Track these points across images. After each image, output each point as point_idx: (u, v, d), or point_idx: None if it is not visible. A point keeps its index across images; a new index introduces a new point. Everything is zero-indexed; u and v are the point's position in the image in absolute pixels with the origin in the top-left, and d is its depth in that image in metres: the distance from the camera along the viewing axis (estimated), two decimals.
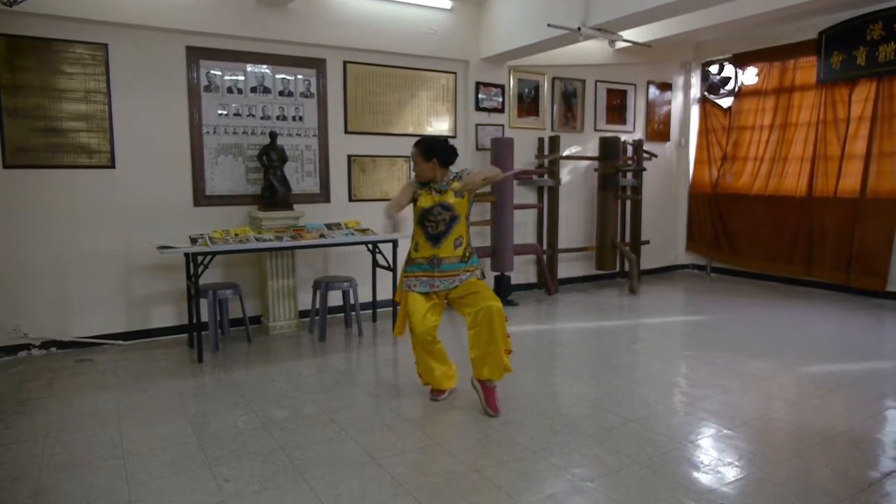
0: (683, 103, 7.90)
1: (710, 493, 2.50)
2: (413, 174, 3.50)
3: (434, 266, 3.31)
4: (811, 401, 3.54)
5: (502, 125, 6.38)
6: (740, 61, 7.26)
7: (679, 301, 6.59)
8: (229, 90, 4.97)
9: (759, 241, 7.12)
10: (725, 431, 3.11)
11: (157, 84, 4.70)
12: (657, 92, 7.61)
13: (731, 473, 2.67)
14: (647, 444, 2.97)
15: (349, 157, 5.59)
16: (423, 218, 3.34)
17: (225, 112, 4.97)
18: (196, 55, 4.81)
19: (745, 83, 7.26)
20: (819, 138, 6.52)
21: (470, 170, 3.44)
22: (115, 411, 3.41)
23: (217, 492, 2.53)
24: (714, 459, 2.80)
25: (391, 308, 5.18)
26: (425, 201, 3.32)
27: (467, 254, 3.37)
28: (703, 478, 2.63)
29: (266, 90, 5.13)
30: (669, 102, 7.75)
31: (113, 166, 4.61)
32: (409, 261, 3.44)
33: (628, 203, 7.32)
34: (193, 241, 4.36)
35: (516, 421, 3.23)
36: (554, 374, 4.20)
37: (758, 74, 7.14)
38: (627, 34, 5.56)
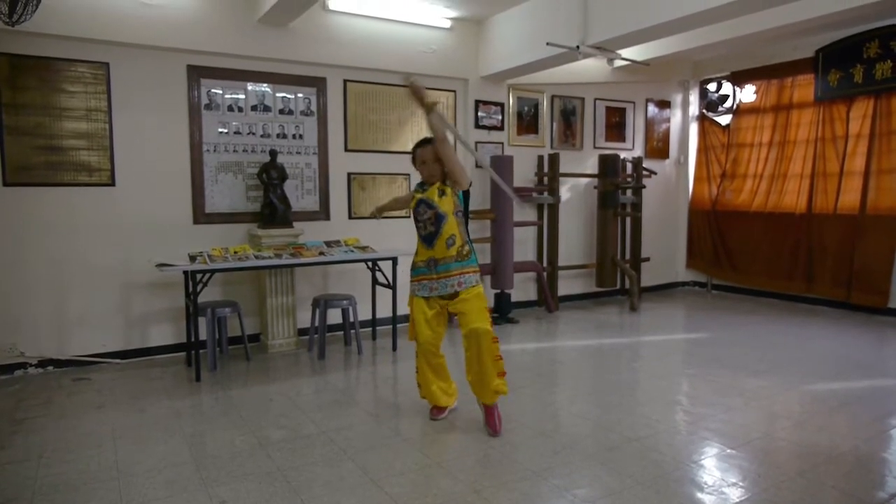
0: (682, 121, 7.94)
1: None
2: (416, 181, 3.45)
3: (431, 268, 3.25)
4: (815, 419, 3.50)
5: (502, 143, 6.40)
6: (738, 79, 7.31)
7: (680, 318, 6.56)
8: (230, 108, 5.00)
9: (759, 258, 7.11)
10: (729, 451, 3.07)
11: (158, 102, 4.73)
12: (656, 110, 7.65)
13: (735, 494, 2.63)
14: (649, 465, 2.92)
15: (349, 174, 5.60)
16: (414, 219, 3.33)
17: (225, 130, 4.99)
18: (197, 74, 4.84)
19: (744, 101, 7.30)
20: (818, 155, 6.54)
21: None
22: (111, 431, 3.37)
23: None
24: (718, 480, 2.76)
25: (391, 326, 5.15)
26: (413, 201, 3.32)
27: (464, 252, 3.25)
28: (707, 499, 2.59)
29: (266, 108, 5.15)
30: (668, 120, 7.79)
31: (113, 184, 4.61)
32: (413, 265, 3.38)
33: (628, 220, 7.32)
34: (192, 258, 4.35)
35: (517, 441, 3.20)
36: (554, 392, 4.16)
37: (756, 92, 7.18)
38: (626, 52, 5.60)
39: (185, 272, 4.26)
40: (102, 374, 4.44)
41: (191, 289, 4.24)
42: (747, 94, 7.25)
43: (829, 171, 6.45)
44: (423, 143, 3.31)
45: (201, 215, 4.93)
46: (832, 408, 3.68)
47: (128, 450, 3.12)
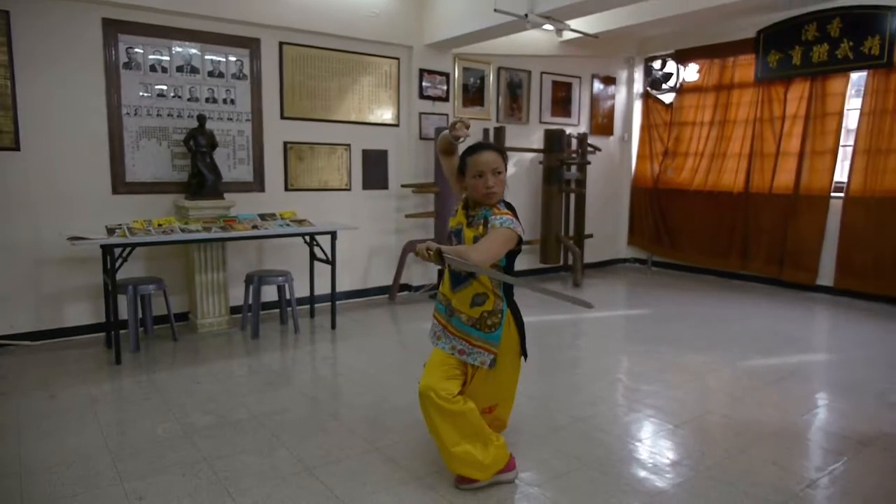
0: (627, 98, 7.94)
1: (660, 494, 2.42)
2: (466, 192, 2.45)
3: (447, 315, 2.43)
4: (752, 395, 3.54)
5: (447, 114, 6.20)
6: (682, 57, 7.34)
7: (621, 295, 6.60)
8: (152, 69, 4.59)
9: (697, 236, 7.23)
10: (672, 429, 3.05)
11: (70, 59, 4.27)
12: (601, 86, 7.61)
13: (679, 472, 2.59)
14: (594, 445, 2.86)
15: (285, 143, 5.29)
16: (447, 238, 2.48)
17: (147, 93, 4.59)
18: (114, 29, 4.40)
19: (687, 79, 7.34)
20: (756, 135, 6.66)
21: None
22: (15, 422, 3.05)
23: None
24: (662, 458, 2.73)
25: (329, 303, 4.93)
26: (452, 220, 2.47)
27: (489, 322, 2.33)
28: (653, 478, 2.54)
29: (194, 70, 4.77)
30: (613, 97, 7.77)
31: (17, 148, 4.16)
32: (438, 290, 2.53)
33: (572, 196, 7.29)
34: (111, 231, 3.99)
35: None
36: None
37: (699, 71, 7.22)
38: (574, 24, 5.47)
39: (103, 246, 3.91)
40: (10, 358, 4.05)
41: (109, 264, 3.89)
42: (690, 72, 7.29)
43: (766, 152, 6.58)
44: (482, 147, 2.37)
45: (121, 185, 4.54)
46: (768, 383, 3.73)
47: (33, 442, 2.82)
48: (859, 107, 5.89)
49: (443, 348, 2.41)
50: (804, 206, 6.26)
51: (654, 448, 2.84)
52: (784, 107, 6.40)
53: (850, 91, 6.01)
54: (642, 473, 2.59)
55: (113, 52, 4.41)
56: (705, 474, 2.59)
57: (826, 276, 6.20)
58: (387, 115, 5.86)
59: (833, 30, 5.89)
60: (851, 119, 6.02)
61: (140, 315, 4.37)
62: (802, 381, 3.79)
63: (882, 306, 5.70)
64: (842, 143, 6.07)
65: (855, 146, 5.88)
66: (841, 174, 6.09)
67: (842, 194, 6.00)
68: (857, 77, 5.96)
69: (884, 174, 5.69)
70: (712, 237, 7.07)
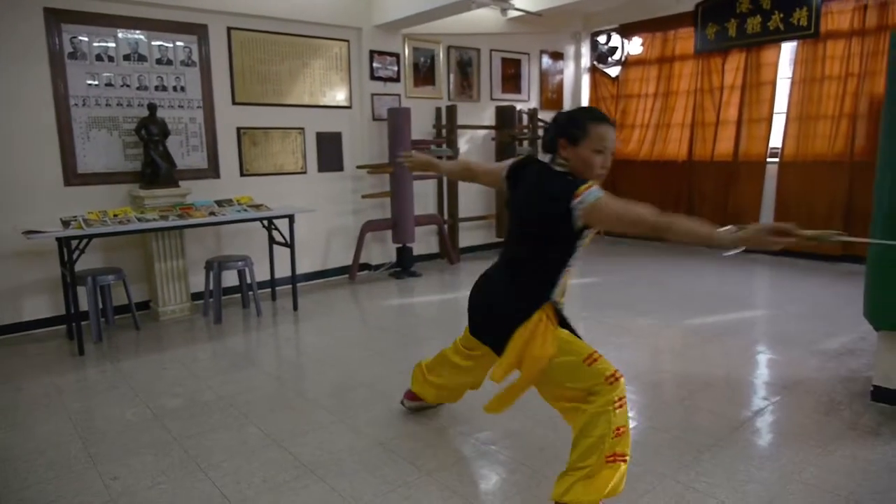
0: (575, 72, 8.12)
1: None
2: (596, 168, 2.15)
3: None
4: (692, 351, 3.82)
5: (399, 95, 6.28)
6: (626, 32, 7.54)
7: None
8: (99, 58, 4.55)
9: (644, 201, 7.50)
10: None
11: (12, 50, 4.20)
12: (550, 61, 7.77)
13: None
14: (546, 406, 3.06)
15: (238, 129, 5.31)
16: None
17: (95, 82, 4.55)
18: (57, 18, 4.34)
19: (631, 53, 7.56)
20: (697, 106, 6.94)
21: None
22: None
23: (104, 491, 2.36)
24: None
25: (290, 286, 5.02)
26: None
27: None
28: None
29: (142, 58, 4.73)
30: (562, 72, 7.94)
31: None
32: (555, 303, 2.24)
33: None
34: (66, 224, 3.99)
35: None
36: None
37: (642, 45, 7.45)
38: (519, 3, 5.60)
39: (58, 239, 3.92)
40: None
41: (66, 257, 3.90)
42: (634, 46, 7.51)
43: (707, 121, 6.87)
44: (609, 120, 2.14)
45: (73, 176, 4.52)
46: (708, 339, 4.01)
47: (2, 433, 2.88)
48: (790, 76, 6.21)
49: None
50: (743, 172, 6.59)
51: None
52: (722, 77, 6.69)
53: (783, 61, 6.32)
54: None
55: (57, 41, 4.35)
56: (646, 424, 2.83)
57: None
58: (339, 97, 5.91)
59: (765, 2, 6.16)
60: (784, 88, 6.33)
61: (101, 306, 4.39)
62: (739, 335, 4.09)
63: (816, 263, 6.08)
64: (776, 110, 6.39)
65: (787, 113, 6.21)
66: (776, 140, 6.42)
67: (777, 159, 6.34)
68: (789, 47, 6.26)
69: (814, 139, 6.03)
70: (660, 205, 7.11)
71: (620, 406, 2.07)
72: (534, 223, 2.18)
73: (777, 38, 6.17)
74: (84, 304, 4.24)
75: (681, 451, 2.57)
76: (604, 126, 2.09)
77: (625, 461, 2.04)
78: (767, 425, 2.82)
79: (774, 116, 6.39)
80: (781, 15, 6.05)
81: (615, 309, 4.79)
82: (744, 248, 1.85)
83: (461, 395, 2.85)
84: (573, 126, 2.10)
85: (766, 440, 2.69)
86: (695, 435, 2.70)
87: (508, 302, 2.24)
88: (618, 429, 2.03)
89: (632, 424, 2.81)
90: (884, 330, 2.88)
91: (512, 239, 2.34)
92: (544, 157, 2.22)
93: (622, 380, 2.11)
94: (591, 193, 2.00)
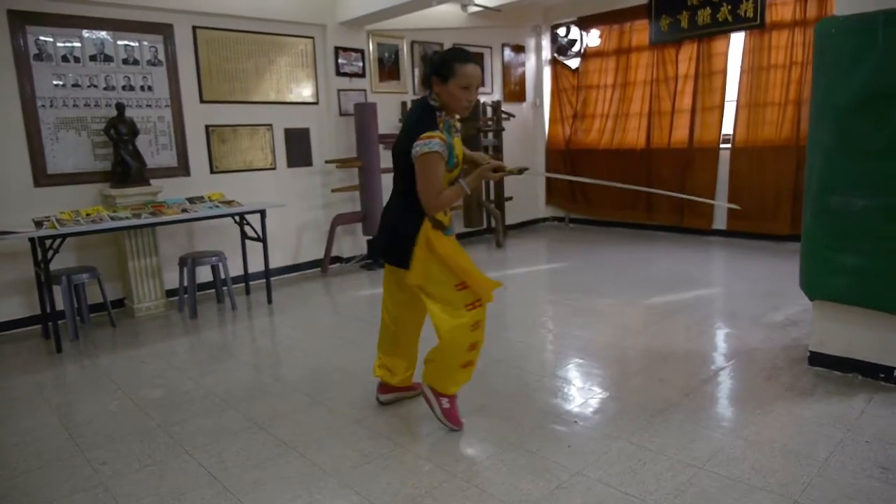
0: (536, 65, 8.33)
1: (566, 413, 2.84)
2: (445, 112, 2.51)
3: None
4: (650, 328, 4.06)
5: (364, 90, 6.40)
6: (585, 24, 7.77)
7: (541, 251, 7.09)
8: (65, 59, 4.58)
9: (608, 192, 7.77)
10: (580, 362, 3.50)
11: None
12: (512, 54, 7.96)
13: (582, 396, 3.04)
14: (513, 380, 3.27)
15: (207, 127, 5.38)
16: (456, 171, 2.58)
17: (62, 83, 4.58)
18: (20, 20, 4.36)
19: (590, 45, 7.80)
20: (653, 95, 7.20)
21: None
22: None
23: (93, 475, 2.48)
24: (573, 387, 3.16)
25: (264, 280, 5.13)
26: (443, 139, 2.42)
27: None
28: (563, 403, 2.96)
29: (108, 58, 4.78)
30: (524, 64, 8.14)
31: None
32: (441, 225, 2.57)
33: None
34: (38, 224, 4.05)
35: None
36: (428, 325, 4.42)
37: (600, 37, 7.68)
38: None
39: (31, 239, 3.97)
40: None
41: (41, 256, 3.96)
42: (593, 38, 7.74)
43: (663, 110, 7.14)
44: (471, 58, 2.43)
45: (43, 177, 4.55)
46: (665, 316, 4.26)
47: None
48: (740, 65, 6.50)
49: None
50: (698, 158, 6.88)
51: (566, 379, 3.27)
52: (676, 67, 6.96)
53: (733, 51, 6.61)
54: (554, 400, 3.01)
55: (22, 43, 4.37)
56: (606, 395, 3.04)
57: (720, 220, 6.88)
58: (306, 93, 6.01)
59: None
60: (735, 76, 6.63)
61: (75, 305, 4.45)
62: (694, 312, 4.34)
63: (766, 243, 6.40)
64: (727, 98, 6.68)
65: (738, 101, 6.51)
66: (728, 127, 6.72)
67: (729, 145, 6.64)
68: (738, 38, 6.55)
69: (763, 126, 6.34)
70: (621, 192, 7.63)
71: (476, 328, 2.59)
72: (398, 155, 2.55)
73: (726, 28, 6.45)
74: (60, 304, 4.30)
75: (636, 416, 2.78)
76: (469, 66, 2.41)
77: (473, 364, 2.68)
78: (715, 391, 3.06)
79: (726, 104, 6.69)
80: (729, 7, 6.34)
81: (579, 292, 5.02)
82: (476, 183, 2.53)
83: (415, 333, 3.01)
84: (443, 66, 2.43)
85: (713, 403, 2.93)
86: (649, 402, 2.93)
87: (396, 220, 2.61)
88: (472, 344, 2.61)
89: (594, 395, 3.03)
90: (817, 299, 3.14)
91: (394, 167, 2.66)
92: (424, 93, 2.57)
93: (481, 308, 2.60)
94: (427, 144, 2.37)
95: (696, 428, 2.65)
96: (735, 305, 4.46)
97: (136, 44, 4.91)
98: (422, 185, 2.41)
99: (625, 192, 7.56)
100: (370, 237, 6.28)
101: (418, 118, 2.49)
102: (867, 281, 2.91)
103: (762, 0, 6.09)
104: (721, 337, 3.86)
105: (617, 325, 4.20)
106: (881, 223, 2.82)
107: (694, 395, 2.99)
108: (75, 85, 4.64)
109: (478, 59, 2.52)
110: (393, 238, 2.61)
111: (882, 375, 2.98)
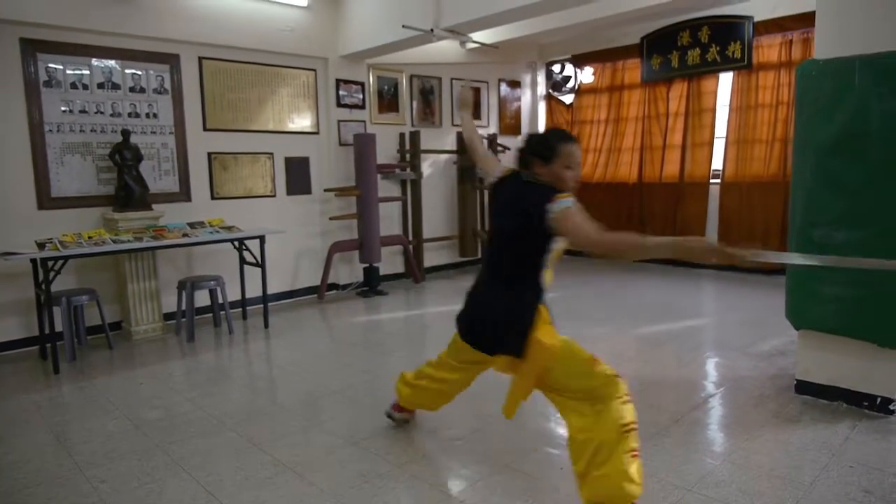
0: (531, 100, 8.55)
1: (557, 437, 2.90)
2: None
3: None
4: (641, 356, 4.13)
5: (364, 121, 6.56)
6: (579, 62, 8.02)
7: None
8: (73, 86, 4.71)
9: (600, 224, 7.89)
10: None
11: None
12: (508, 89, 8.18)
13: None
14: None
15: (209, 154, 5.50)
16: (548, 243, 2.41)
17: (69, 109, 4.70)
18: (32, 48, 4.50)
19: (584, 82, 8.03)
20: (645, 131, 7.41)
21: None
22: None
23: (92, 493, 2.51)
24: None
25: (261, 305, 5.19)
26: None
27: None
28: (557, 427, 3.02)
29: (115, 86, 4.91)
30: (519, 99, 8.36)
31: None
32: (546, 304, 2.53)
33: (486, 193, 7.81)
34: (41, 245, 4.11)
35: (388, 397, 3.46)
36: (423, 353, 4.47)
37: (594, 74, 7.92)
38: (477, 36, 5.97)
39: (34, 260, 4.03)
40: None
41: (42, 277, 4.02)
42: (587, 75, 7.98)
43: (655, 145, 7.34)
44: (574, 140, 2.40)
45: (47, 200, 4.64)
46: (655, 345, 4.34)
47: None
48: (728, 103, 6.72)
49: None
50: (689, 192, 7.05)
51: None
52: (667, 105, 7.18)
53: (722, 89, 6.83)
54: (549, 424, 3.07)
55: (32, 69, 4.50)
56: None
57: None
58: (306, 123, 6.16)
59: (703, 36, 6.68)
60: (724, 114, 6.84)
61: (73, 326, 4.48)
62: (683, 342, 4.43)
63: (755, 276, 6.53)
64: (717, 135, 6.88)
65: (727, 138, 6.71)
66: (717, 163, 6.91)
67: (718, 180, 6.81)
68: (726, 77, 6.78)
69: (751, 162, 6.52)
70: (613, 224, 7.63)
71: (626, 402, 2.30)
72: (512, 230, 2.38)
73: (715, 68, 6.69)
74: (58, 325, 4.33)
75: None
76: (573, 145, 2.36)
77: (638, 456, 2.24)
78: (704, 417, 3.13)
79: (715, 141, 6.88)
80: (718, 48, 6.57)
81: (570, 320, 5.06)
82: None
83: (440, 405, 2.92)
84: (544, 147, 2.35)
85: (703, 429, 3.00)
86: (641, 426, 2.93)
87: (508, 310, 2.45)
88: (628, 424, 2.27)
89: None
90: (802, 329, 3.24)
91: (493, 250, 2.54)
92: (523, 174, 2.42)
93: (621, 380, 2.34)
94: (566, 201, 2.24)
95: (686, 452, 2.71)
96: (724, 335, 4.55)
97: (143, 72, 5.05)
98: (579, 232, 2.25)
99: (616, 223, 7.69)
100: (366, 264, 6.36)
101: (525, 191, 2.35)
102: (849, 311, 3.01)
103: (749, 42, 6.33)
104: (711, 365, 3.94)
105: (609, 352, 4.26)
106: (859, 255, 2.93)
107: (684, 420, 3.06)
108: (82, 111, 4.76)
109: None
110: (503, 330, 2.46)
111: (866, 403, 3.06)
